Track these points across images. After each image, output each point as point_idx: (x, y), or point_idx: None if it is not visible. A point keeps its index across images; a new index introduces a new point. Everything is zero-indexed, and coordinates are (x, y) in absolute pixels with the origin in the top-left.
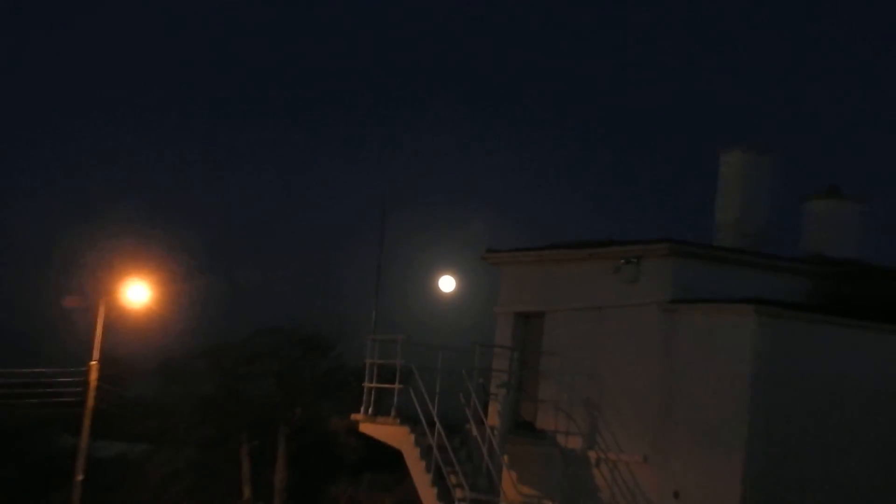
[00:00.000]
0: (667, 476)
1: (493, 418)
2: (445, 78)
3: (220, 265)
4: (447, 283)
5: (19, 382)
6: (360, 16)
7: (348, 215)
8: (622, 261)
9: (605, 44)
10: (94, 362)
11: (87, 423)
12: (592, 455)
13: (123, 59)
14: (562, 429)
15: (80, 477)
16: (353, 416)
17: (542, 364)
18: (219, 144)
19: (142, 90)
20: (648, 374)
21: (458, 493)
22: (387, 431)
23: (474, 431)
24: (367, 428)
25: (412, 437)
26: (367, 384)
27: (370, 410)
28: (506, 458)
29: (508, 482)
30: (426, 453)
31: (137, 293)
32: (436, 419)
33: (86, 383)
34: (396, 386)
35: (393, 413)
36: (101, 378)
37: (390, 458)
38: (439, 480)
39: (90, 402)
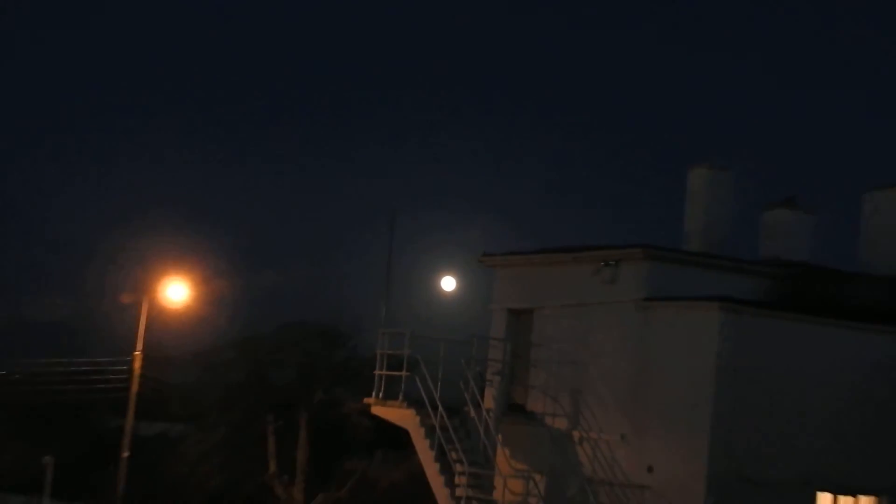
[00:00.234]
0: (641, 452)
1: (489, 402)
2: (460, 85)
3: (249, 265)
4: (448, 283)
5: (74, 371)
6: (361, 18)
7: (364, 221)
8: (602, 264)
9: (597, 60)
10: (137, 352)
11: (132, 406)
12: (576, 434)
13: (169, 66)
14: (549, 411)
15: (126, 454)
16: (366, 400)
17: (532, 354)
18: (247, 150)
19: (181, 96)
20: (625, 364)
21: (457, 468)
22: (395, 413)
23: (472, 413)
24: (378, 410)
25: (418, 418)
26: (377, 372)
27: (381, 395)
28: (500, 436)
29: (502, 458)
30: (430, 432)
31: (177, 291)
32: (438, 403)
33: (131, 371)
34: (404, 373)
35: (401, 397)
36: (143, 366)
37: (399, 437)
38: (441, 456)
39: (134, 387)
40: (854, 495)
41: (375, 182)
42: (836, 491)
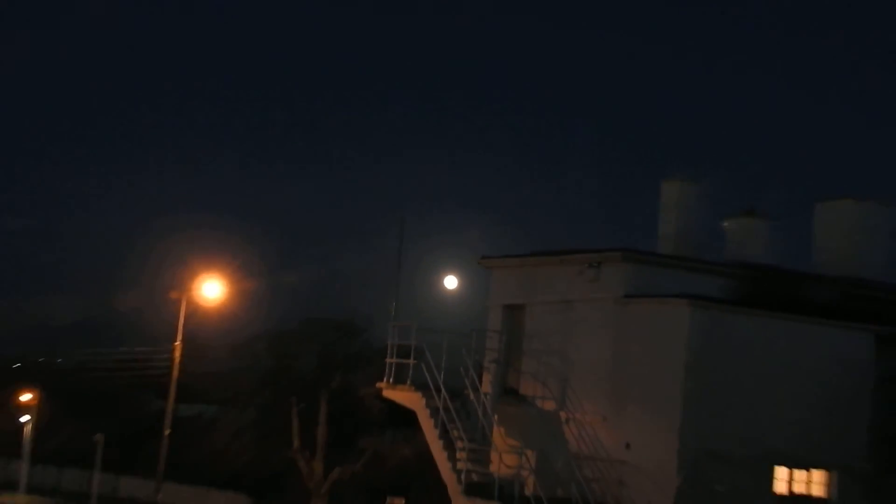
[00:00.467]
0: (621, 431)
1: (486, 386)
2: (459, 93)
3: (277, 265)
4: (451, 282)
5: (121, 358)
6: (362, 23)
7: (375, 222)
8: (586, 265)
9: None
10: (177, 343)
11: (172, 390)
12: (563, 415)
13: (201, 69)
14: (539, 395)
15: (167, 431)
16: (378, 385)
17: (525, 345)
18: (273, 155)
19: (215, 99)
20: (606, 353)
21: (458, 444)
22: (404, 396)
23: (472, 397)
24: (388, 393)
25: (424, 400)
26: (388, 360)
27: (391, 380)
28: (496, 417)
29: (498, 436)
30: (434, 413)
31: (212, 288)
32: (442, 387)
33: (171, 359)
34: (411, 361)
35: (409, 382)
36: (183, 355)
37: (407, 418)
38: (445, 434)
39: (175, 373)
40: (807, 469)
41: (389, 187)
42: (792, 465)
